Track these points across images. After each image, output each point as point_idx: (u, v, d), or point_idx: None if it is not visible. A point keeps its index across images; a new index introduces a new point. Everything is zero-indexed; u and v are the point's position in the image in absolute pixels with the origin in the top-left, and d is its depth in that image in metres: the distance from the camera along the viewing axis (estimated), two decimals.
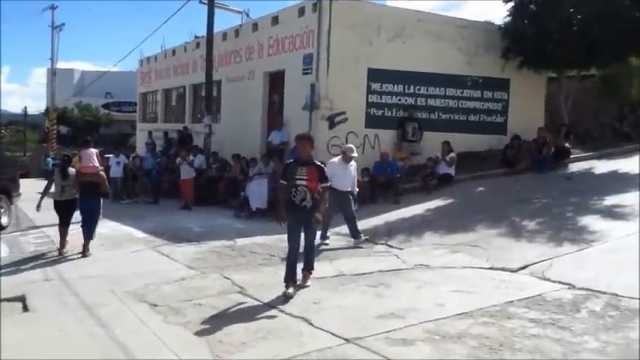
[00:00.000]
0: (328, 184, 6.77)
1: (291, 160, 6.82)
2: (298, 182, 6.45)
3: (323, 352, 4.70)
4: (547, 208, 10.07)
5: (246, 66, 17.05)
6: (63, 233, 9.20)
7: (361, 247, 9.19)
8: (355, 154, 9.48)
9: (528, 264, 7.23)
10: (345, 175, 9.31)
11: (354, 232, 9.48)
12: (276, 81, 15.80)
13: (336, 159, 9.65)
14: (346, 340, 4.90)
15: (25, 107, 59.99)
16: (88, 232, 9.12)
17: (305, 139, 6.64)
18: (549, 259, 7.33)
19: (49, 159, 32.97)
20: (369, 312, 5.65)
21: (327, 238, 9.58)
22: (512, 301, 5.82)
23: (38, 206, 9.30)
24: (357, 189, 9.94)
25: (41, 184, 26.93)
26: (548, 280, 6.58)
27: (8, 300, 6.49)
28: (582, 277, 6.43)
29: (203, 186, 15.19)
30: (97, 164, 9.37)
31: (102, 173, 9.46)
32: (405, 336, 4.93)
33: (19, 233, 11.22)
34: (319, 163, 6.72)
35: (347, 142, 13.82)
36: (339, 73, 13.60)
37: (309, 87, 13.58)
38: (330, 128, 13.77)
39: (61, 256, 8.91)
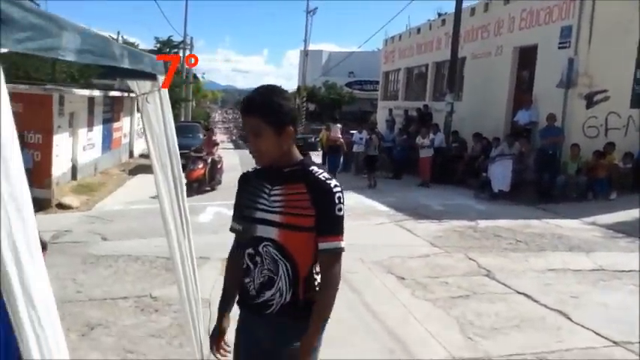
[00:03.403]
0: (342, 245, 2.12)
1: (254, 168, 2.32)
2: (259, 231, 2.17)
3: (586, 352, 4.28)
4: None
5: (493, 41, 16.27)
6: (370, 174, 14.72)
7: None
8: None
9: None
10: None
11: None
12: (526, 56, 14.82)
13: None
14: (614, 342, 4.39)
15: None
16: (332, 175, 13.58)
17: (247, 113, 2.13)
18: None
19: None
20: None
21: None
22: None
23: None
24: None
25: None
26: None
27: None
28: None
29: (441, 164, 15.05)
30: (339, 135, 15.83)
31: (341, 140, 15.86)
32: None
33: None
34: (319, 174, 2.16)
35: (607, 124, 12.51)
36: (603, 46, 12.13)
37: (565, 62, 12.44)
38: (588, 108, 12.45)
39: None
